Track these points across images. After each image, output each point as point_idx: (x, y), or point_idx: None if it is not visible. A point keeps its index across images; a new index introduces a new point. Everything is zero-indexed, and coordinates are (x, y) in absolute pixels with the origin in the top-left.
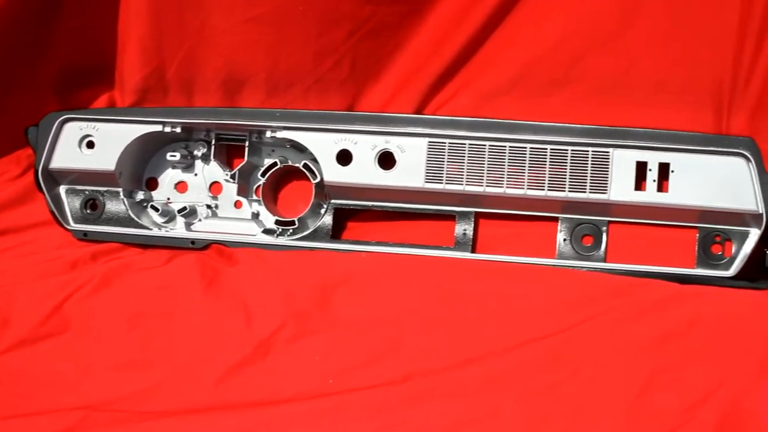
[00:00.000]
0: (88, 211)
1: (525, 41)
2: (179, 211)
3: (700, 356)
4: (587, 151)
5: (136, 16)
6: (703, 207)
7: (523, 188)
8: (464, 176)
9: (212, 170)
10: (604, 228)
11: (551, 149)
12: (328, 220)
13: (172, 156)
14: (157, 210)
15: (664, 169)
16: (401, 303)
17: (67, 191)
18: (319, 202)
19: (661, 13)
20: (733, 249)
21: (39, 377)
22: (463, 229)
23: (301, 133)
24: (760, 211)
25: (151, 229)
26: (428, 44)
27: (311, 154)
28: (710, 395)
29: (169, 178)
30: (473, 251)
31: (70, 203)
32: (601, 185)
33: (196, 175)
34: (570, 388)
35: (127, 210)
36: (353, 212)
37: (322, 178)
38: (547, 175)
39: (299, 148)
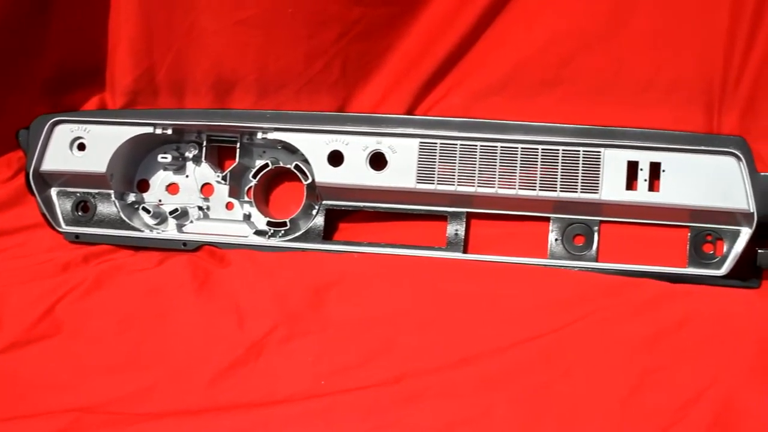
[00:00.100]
0: (79, 214)
1: (516, 42)
2: (171, 213)
3: (691, 355)
4: (578, 150)
5: (126, 18)
6: (695, 206)
7: (514, 188)
8: (455, 176)
9: (203, 172)
10: (596, 228)
11: (542, 149)
12: (319, 221)
13: (163, 158)
14: (148, 212)
15: (655, 169)
16: (393, 304)
17: (59, 193)
18: (310, 203)
19: (651, 12)
20: (725, 248)
21: (31, 380)
22: (455, 229)
23: (292, 135)
24: (751, 210)
25: (142, 231)
26: (419, 45)
27: (302, 155)
28: (702, 394)
29: (160, 179)
30: (465, 251)
31: (62, 205)
32: (592, 185)
33: (187, 176)
34: (562, 387)
35: (118, 212)
36: (345, 213)
37: (313, 179)
38: (538, 175)
39: (290, 150)
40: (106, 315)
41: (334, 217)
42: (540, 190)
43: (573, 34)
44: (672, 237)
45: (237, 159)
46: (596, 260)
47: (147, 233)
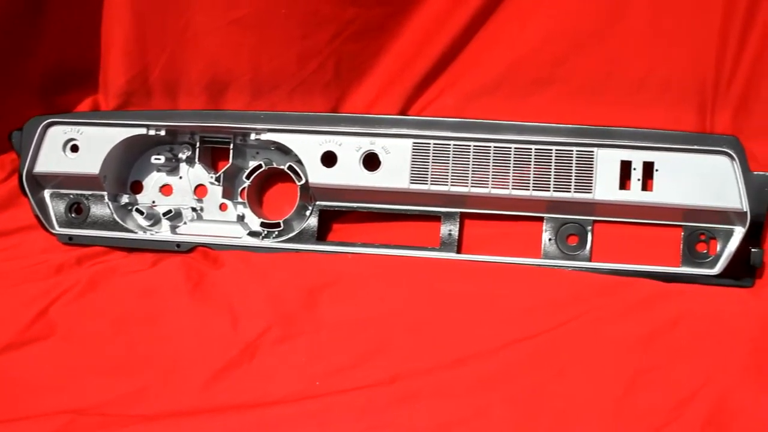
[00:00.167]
0: (72, 215)
1: (509, 42)
2: (164, 214)
3: (685, 354)
4: (572, 150)
5: (119, 19)
6: (688, 206)
7: (508, 188)
8: (449, 177)
9: (197, 173)
10: (589, 227)
11: (536, 149)
12: (313, 221)
13: (156, 159)
14: (142, 213)
15: (648, 168)
16: (387, 304)
17: (52, 195)
18: (304, 204)
19: (644, 12)
20: (718, 247)
21: (25, 382)
22: (449, 229)
23: (285, 135)
24: (745, 210)
25: (136, 233)
26: (412, 45)
27: (296, 156)
28: (696, 393)
29: (153, 181)
30: (459, 252)
31: (55, 207)
32: (585, 185)
33: (180, 178)
34: (557, 387)
35: (111, 213)
36: (338, 214)
37: (307, 180)
38: (531, 175)
39: (284, 150)
40: (99, 316)
41: (327, 218)
42: (533, 190)
43: (566, 34)
44: (665, 236)
45: (230, 160)
46: (590, 260)
47: (140, 235)
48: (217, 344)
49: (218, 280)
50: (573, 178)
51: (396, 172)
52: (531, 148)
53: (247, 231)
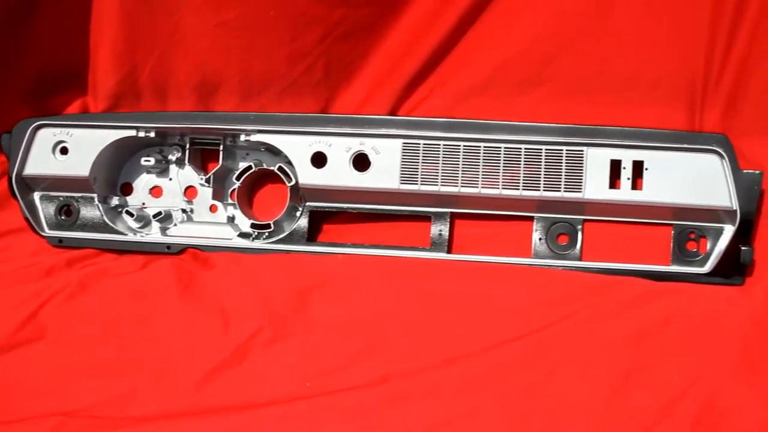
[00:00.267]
0: (62, 218)
1: (498, 42)
2: (154, 216)
3: (676, 353)
4: (561, 150)
5: (108, 21)
6: (678, 204)
7: (498, 188)
8: (439, 177)
9: (187, 174)
10: (580, 227)
11: (525, 149)
12: (303, 222)
13: (146, 161)
14: (132, 215)
15: (638, 167)
16: (378, 305)
17: (42, 198)
18: (294, 204)
19: (633, 12)
20: (708, 246)
21: (15, 384)
22: (439, 229)
23: (275, 136)
24: (734, 208)
25: (126, 235)
26: (401, 46)
27: (286, 157)
28: (686, 392)
29: (143, 183)
30: (449, 252)
31: (45, 210)
32: (575, 184)
33: (170, 179)
34: (547, 386)
35: (102, 216)
36: (329, 215)
37: (297, 181)
38: (521, 175)
39: (274, 151)
40: (90, 319)
41: (318, 219)
42: (523, 189)
43: (555, 34)
44: (655, 235)
45: (220, 161)
46: (580, 259)
47: (131, 236)
48: (208, 346)
49: (209, 282)
50: (563, 177)
51: (386, 172)
52: (521, 148)
53: (238, 232)
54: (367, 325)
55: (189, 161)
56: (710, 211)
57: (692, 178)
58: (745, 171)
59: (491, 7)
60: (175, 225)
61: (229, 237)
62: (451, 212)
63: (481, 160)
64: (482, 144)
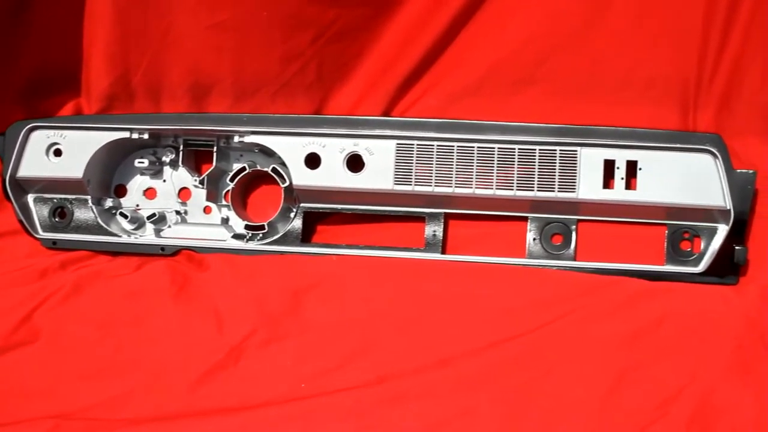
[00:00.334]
0: (56, 220)
1: (491, 42)
2: (148, 218)
3: (670, 353)
4: (555, 150)
5: (101, 22)
6: (672, 204)
7: (491, 188)
8: (433, 177)
9: (181, 176)
10: (574, 227)
11: (519, 149)
12: (297, 223)
13: (140, 162)
14: (126, 217)
15: (631, 167)
16: (373, 305)
17: (35, 200)
18: (288, 206)
19: (626, 12)
20: (702, 245)
21: (10, 387)
22: (433, 230)
23: (269, 138)
24: (728, 207)
25: (120, 236)
26: (394, 46)
27: (280, 158)
28: (681, 391)
29: (137, 184)
30: (443, 252)
31: (39, 212)
32: (569, 184)
33: (164, 181)
34: (543, 386)
35: (95, 217)
36: (323, 215)
37: (291, 182)
38: (515, 175)
39: (267, 153)
40: (84, 321)
41: (312, 220)
42: (517, 189)
43: (548, 34)
44: (649, 235)
45: (214, 163)
46: (574, 259)
47: (125, 238)
48: (203, 347)
49: (203, 283)
50: (557, 177)
51: (380, 173)
52: (514, 148)
53: (232, 234)
54: (361, 325)
55: (183, 163)
56: (704, 211)
57: (686, 178)
58: (738, 171)
59: (484, 7)
60: (169, 227)
61: (223, 238)
62: (445, 213)
63: (474, 161)
64: (476, 144)
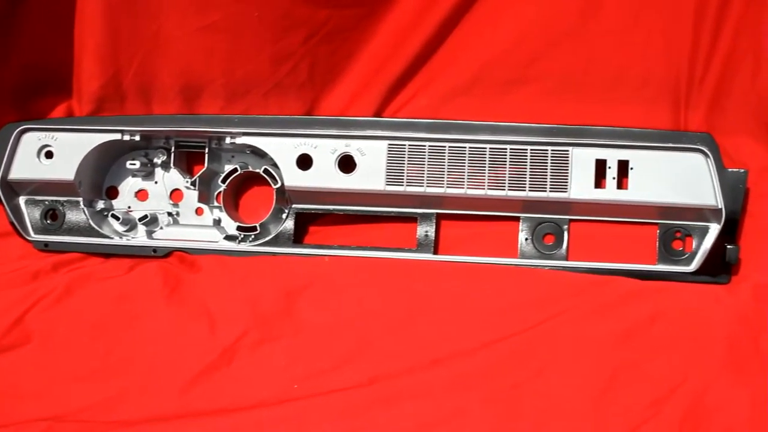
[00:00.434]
0: (48, 222)
1: (482, 42)
2: (140, 220)
3: (663, 352)
4: (546, 150)
5: (91, 24)
6: (663, 203)
7: (483, 188)
8: (425, 178)
9: (172, 178)
10: (566, 227)
11: (511, 149)
12: (289, 224)
13: (131, 164)
14: (117, 219)
15: (623, 167)
16: (365, 306)
17: (27, 202)
18: (280, 207)
19: (618, 11)
20: (694, 244)
21: (2, 389)
22: (425, 230)
23: (260, 139)
24: (720, 207)
25: (112, 238)
26: (386, 47)
27: (271, 159)
28: (674, 390)
29: (129, 186)
30: (436, 252)
31: (30, 214)
32: (561, 184)
33: (156, 182)
34: (535, 386)
35: (87, 219)
36: (315, 216)
37: (282, 183)
38: (507, 175)
39: (259, 154)
40: (76, 323)
41: (304, 221)
42: (509, 189)
43: (540, 34)
44: (641, 234)
45: (206, 164)
46: (566, 259)
47: (116, 240)
48: (195, 349)
49: (195, 285)
50: (548, 177)
51: (372, 173)
52: (506, 148)
53: (224, 235)
54: (354, 326)
55: (174, 164)
56: (696, 210)
57: (677, 177)
58: (729, 170)
59: (476, 7)
60: (161, 228)
61: (215, 240)
62: (437, 213)
63: (466, 161)
64: (467, 145)
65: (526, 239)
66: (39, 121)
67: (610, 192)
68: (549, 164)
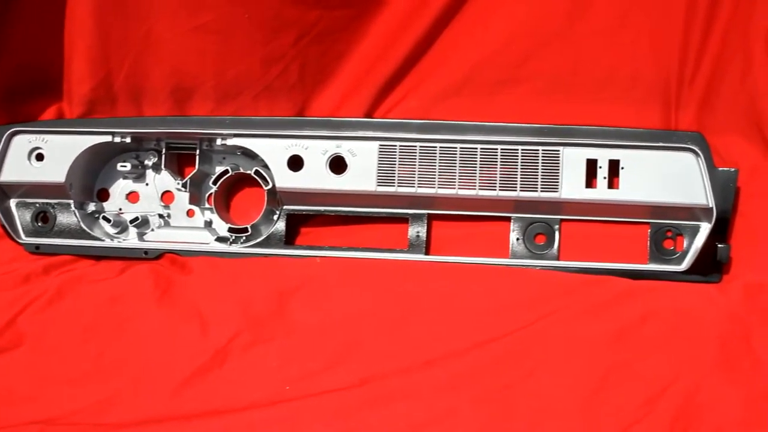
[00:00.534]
0: (39, 224)
1: (472, 43)
2: (131, 222)
3: (654, 351)
4: (537, 150)
5: (81, 26)
6: (654, 203)
7: (474, 189)
8: (416, 178)
9: (163, 179)
10: (557, 226)
11: (501, 149)
12: (281, 226)
13: (122, 166)
14: (109, 221)
15: (614, 166)
16: (357, 307)
17: (18, 204)
18: (271, 208)
19: (607, 11)
20: (685, 243)
21: None
22: (417, 231)
23: (251, 140)
24: (711, 206)
25: (103, 241)
26: (376, 48)
27: (262, 160)
28: (666, 389)
29: (120, 188)
30: (427, 253)
31: (21, 216)
32: (552, 184)
33: (147, 184)
34: (527, 386)
35: (78, 222)
36: (306, 218)
37: (273, 185)
38: (498, 175)
39: (250, 155)
40: (68, 325)
41: (295, 222)
42: (500, 190)
43: (530, 34)
44: (633, 234)
45: (197, 166)
46: (558, 259)
47: (108, 242)
48: (187, 350)
49: (187, 287)
50: (539, 177)
51: (363, 174)
52: (497, 149)
53: (215, 236)
54: (346, 327)
55: (165, 166)
56: (687, 209)
57: (668, 177)
58: (720, 169)
59: (466, 8)
60: (153, 230)
61: (206, 241)
62: (429, 213)
63: (457, 161)
64: (458, 145)
65: (518, 239)
66: (30, 123)
67: (601, 192)
68: (540, 164)
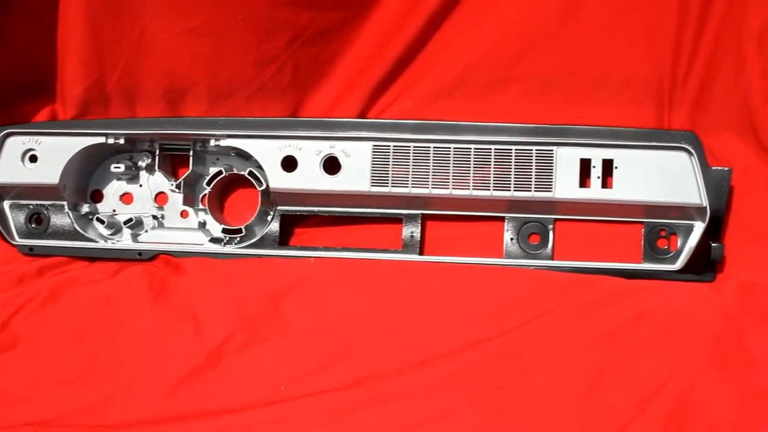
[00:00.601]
0: (33, 226)
1: (466, 43)
2: (125, 223)
3: (649, 350)
4: (531, 150)
5: (74, 27)
6: (648, 202)
7: (468, 189)
8: (410, 179)
9: (157, 180)
10: (551, 226)
11: (495, 149)
12: (275, 226)
13: (116, 168)
14: (102, 222)
15: (608, 166)
16: (351, 307)
17: (11, 206)
18: (265, 209)
19: (600, 11)
20: (679, 243)
21: None
22: (411, 231)
23: (245, 141)
24: (704, 205)
25: (97, 242)
26: (369, 48)
27: (256, 161)
28: (660, 389)
29: (114, 189)
30: (421, 253)
31: (15, 218)
32: (546, 184)
33: (141, 186)
34: (522, 386)
35: (72, 223)
36: (300, 218)
37: (267, 185)
38: (492, 175)
39: (244, 156)
40: (62, 327)
41: (289, 223)
42: (494, 190)
43: (523, 35)
44: (626, 233)
45: (190, 167)
46: (552, 258)
47: (102, 244)
48: (182, 351)
49: (181, 288)
50: (533, 177)
51: (356, 175)
52: (491, 149)
53: (209, 237)
54: (340, 327)
55: (159, 167)
56: (680, 209)
57: (662, 176)
58: (714, 168)
59: (458, 8)
60: (146, 231)
61: (200, 242)
62: (423, 214)
63: (451, 162)
64: (452, 145)
65: (512, 239)
66: (23, 125)
67: (594, 191)
68: (534, 164)
